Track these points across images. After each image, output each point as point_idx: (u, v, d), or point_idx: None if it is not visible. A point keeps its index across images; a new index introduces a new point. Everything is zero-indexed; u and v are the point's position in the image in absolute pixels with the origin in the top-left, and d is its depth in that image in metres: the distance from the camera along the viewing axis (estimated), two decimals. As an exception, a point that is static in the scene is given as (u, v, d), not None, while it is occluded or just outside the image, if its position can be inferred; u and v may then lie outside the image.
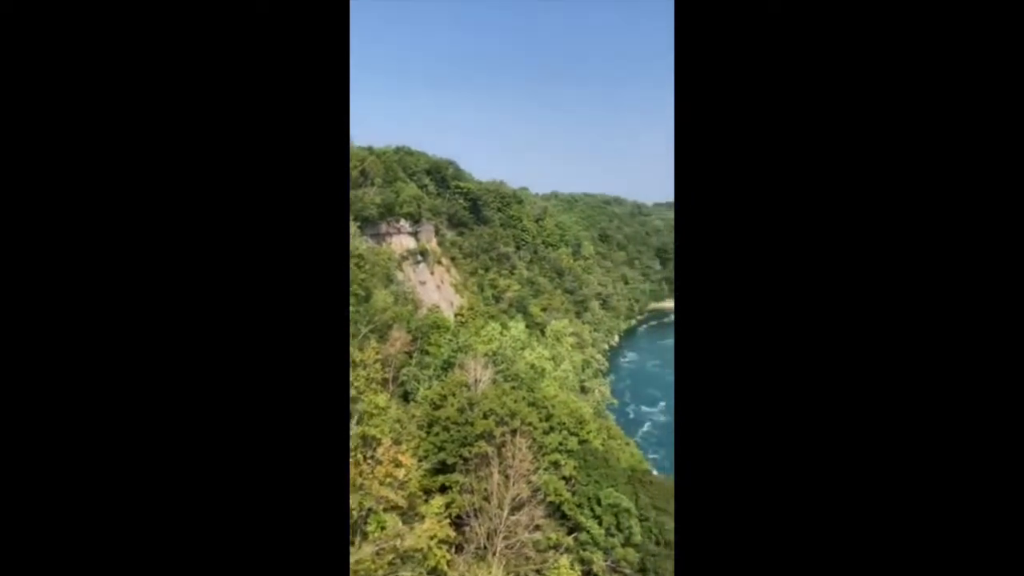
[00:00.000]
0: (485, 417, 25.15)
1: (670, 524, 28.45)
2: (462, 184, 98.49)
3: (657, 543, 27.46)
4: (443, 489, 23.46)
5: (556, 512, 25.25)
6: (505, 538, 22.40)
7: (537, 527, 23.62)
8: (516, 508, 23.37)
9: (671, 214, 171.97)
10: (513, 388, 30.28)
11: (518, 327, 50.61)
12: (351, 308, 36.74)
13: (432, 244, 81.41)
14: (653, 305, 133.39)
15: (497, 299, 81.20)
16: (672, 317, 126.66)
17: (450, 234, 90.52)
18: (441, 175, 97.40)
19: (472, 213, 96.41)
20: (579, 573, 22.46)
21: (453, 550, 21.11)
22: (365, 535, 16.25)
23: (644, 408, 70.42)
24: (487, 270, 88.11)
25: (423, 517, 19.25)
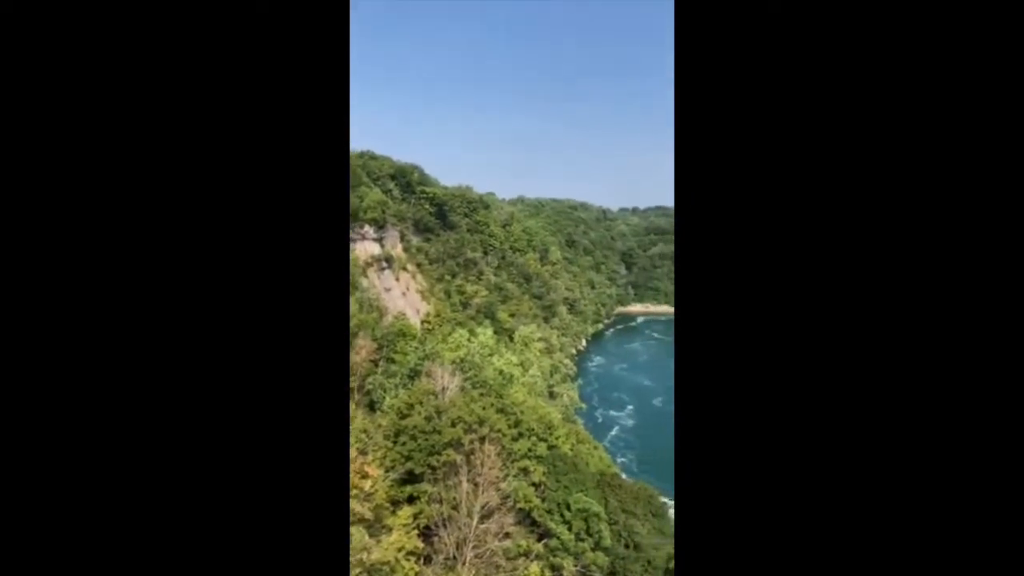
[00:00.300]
0: (453, 425, 24.85)
1: (639, 527, 28.65)
2: (427, 189, 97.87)
3: (626, 546, 27.60)
4: (411, 499, 23.02)
5: (526, 519, 25.11)
6: (474, 547, 22.11)
7: (507, 535, 23.41)
8: (485, 516, 23.12)
9: (636, 219, 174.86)
10: (481, 395, 30.06)
11: (486, 333, 50.44)
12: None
13: (397, 250, 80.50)
14: (619, 309, 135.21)
15: (464, 305, 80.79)
16: (638, 320, 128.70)
17: (416, 240, 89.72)
18: (406, 180, 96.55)
19: (438, 218, 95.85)
20: (549, 580, 22.34)
21: (422, 562, 20.71)
22: (329, 550, 15.71)
23: (612, 412, 71.09)
24: (454, 276, 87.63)
25: (390, 529, 18.81)
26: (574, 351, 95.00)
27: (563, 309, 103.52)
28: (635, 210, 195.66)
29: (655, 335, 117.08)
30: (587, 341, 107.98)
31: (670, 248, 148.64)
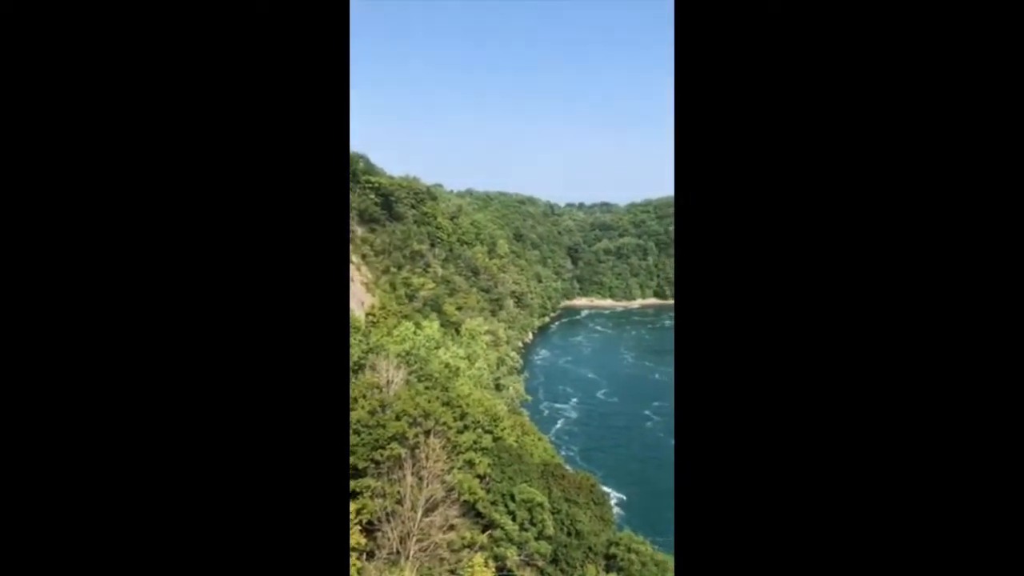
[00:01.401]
0: (398, 419, 24.58)
1: (581, 515, 29.40)
2: (373, 179, 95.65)
3: (568, 534, 28.28)
4: (353, 495, 22.64)
5: (470, 511, 25.22)
6: (419, 540, 22.01)
7: (451, 527, 23.43)
8: (430, 510, 23.04)
9: (582, 215, 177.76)
10: (427, 388, 29.85)
11: (432, 326, 49.99)
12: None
13: (342, 241, 78.02)
14: (565, 303, 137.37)
15: (411, 298, 79.74)
16: (583, 314, 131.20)
17: (360, 230, 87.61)
18: (351, 169, 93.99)
19: (384, 209, 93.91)
20: (493, 570, 22.58)
21: (364, 557, 20.40)
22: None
23: (557, 405, 72.29)
24: (400, 268, 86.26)
25: (331, 526, 18.36)
26: (521, 344, 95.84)
27: (510, 302, 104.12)
28: (581, 206, 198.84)
29: (599, 328, 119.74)
30: (533, 334, 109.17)
31: (614, 244, 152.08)
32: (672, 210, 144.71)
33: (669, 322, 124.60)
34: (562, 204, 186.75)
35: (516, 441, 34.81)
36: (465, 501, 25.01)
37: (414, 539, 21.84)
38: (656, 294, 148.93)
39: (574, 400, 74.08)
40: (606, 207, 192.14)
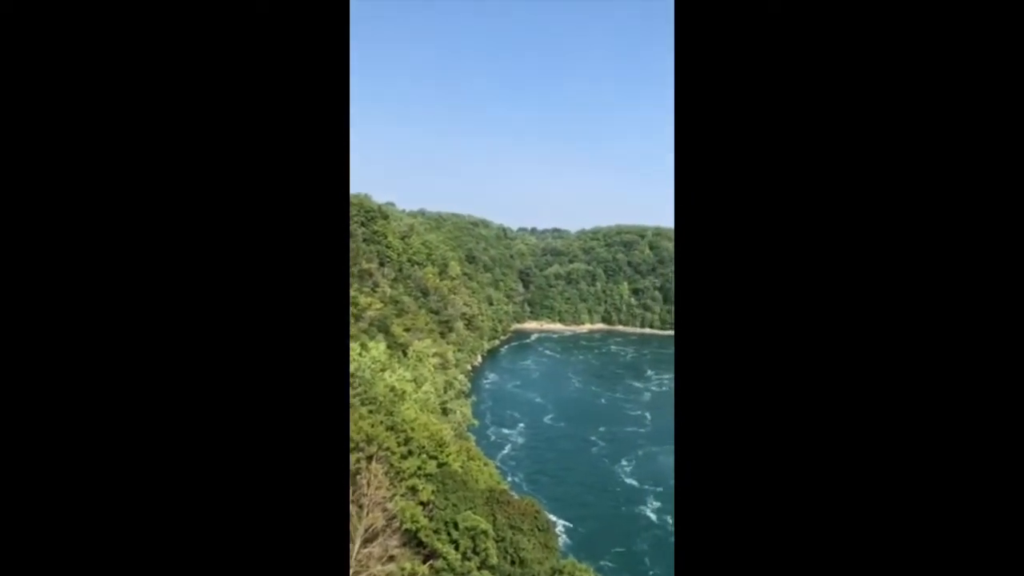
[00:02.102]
0: (339, 444, 23.64)
1: (525, 543, 28.98)
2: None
3: (512, 563, 27.78)
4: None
5: (412, 540, 24.38)
6: (356, 573, 21.02)
7: (391, 558, 22.54)
8: (369, 540, 22.11)
9: (534, 239, 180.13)
10: (371, 412, 28.96)
11: (378, 348, 48.81)
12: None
13: (288, 257, 75.53)
14: (515, 326, 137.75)
15: (357, 318, 77.81)
16: (532, 337, 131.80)
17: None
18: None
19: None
20: (434, 603, 21.80)
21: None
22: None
23: (504, 430, 71.76)
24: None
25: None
26: (469, 367, 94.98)
27: (460, 324, 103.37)
28: (534, 230, 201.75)
29: (548, 352, 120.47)
30: (483, 357, 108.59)
31: (565, 268, 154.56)
32: (620, 239, 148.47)
33: (615, 347, 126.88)
34: (515, 228, 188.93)
35: (461, 467, 34.16)
36: (407, 530, 24.18)
37: (351, 572, 20.85)
38: (604, 319, 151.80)
39: (521, 425, 73.78)
40: (558, 233, 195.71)
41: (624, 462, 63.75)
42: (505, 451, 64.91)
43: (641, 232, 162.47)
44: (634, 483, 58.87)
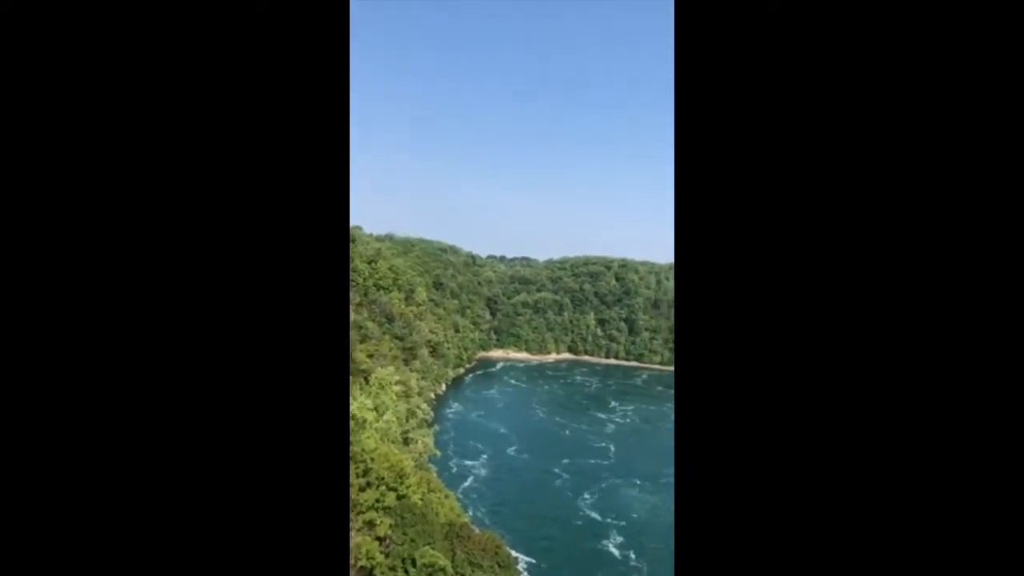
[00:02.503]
0: (293, 475, 22.61)
1: (485, 580, 28.07)
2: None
3: (471, 602, 26.80)
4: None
5: (367, 579, 23.30)
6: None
7: (344, 598, 21.47)
8: (321, 578, 21.03)
9: (503, 267, 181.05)
10: (329, 441, 27.92)
11: (340, 373, 47.44)
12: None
13: (249, 278, 73.50)
14: (481, 354, 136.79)
15: (320, 342, 75.69)
16: (498, 366, 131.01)
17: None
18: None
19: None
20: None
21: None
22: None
23: (467, 461, 70.40)
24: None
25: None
26: (433, 395, 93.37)
27: (425, 352, 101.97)
28: (502, 258, 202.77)
29: (513, 381, 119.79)
30: (447, 385, 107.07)
31: (532, 297, 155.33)
32: (587, 269, 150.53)
33: (580, 377, 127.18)
34: (484, 255, 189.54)
35: (421, 499, 33.14)
36: (362, 567, 23.14)
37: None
38: (570, 349, 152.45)
39: (484, 456, 72.54)
40: (527, 261, 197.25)
41: (587, 495, 63.18)
42: (467, 483, 63.49)
43: (608, 264, 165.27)
44: (596, 516, 58.28)
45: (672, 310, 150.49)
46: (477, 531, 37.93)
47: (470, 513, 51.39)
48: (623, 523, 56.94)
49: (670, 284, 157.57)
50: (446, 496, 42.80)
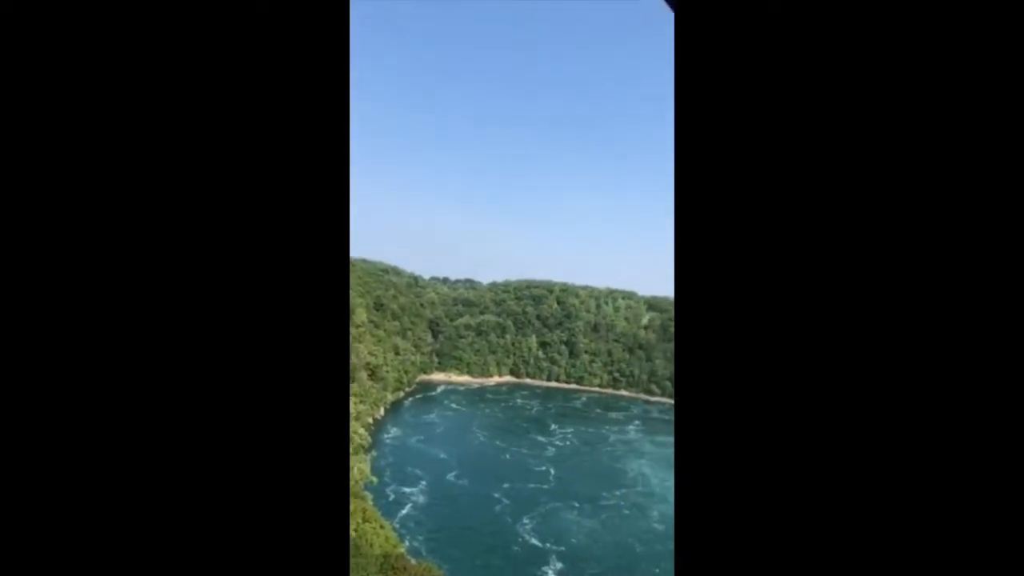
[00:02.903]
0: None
1: (421, 614, 27.20)
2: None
3: (406, 638, 25.85)
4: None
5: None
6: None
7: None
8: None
9: (446, 289, 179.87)
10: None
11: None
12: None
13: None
14: (422, 377, 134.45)
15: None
16: (438, 390, 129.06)
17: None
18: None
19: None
20: None
21: None
22: None
23: (404, 489, 68.49)
24: (242, 331, 78.28)
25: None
26: (371, 420, 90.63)
27: (363, 375, 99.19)
28: (446, 280, 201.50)
29: (453, 406, 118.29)
30: (385, 410, 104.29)
31: (476, 320, 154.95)
32: (530, 292, 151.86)
33: (521, 400, 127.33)
34: (427, 276, 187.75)
35: (355, 530, 31.88)
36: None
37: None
38: (512, 372, 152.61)
39: (423, 483, 70.85)
40: (470, 283, 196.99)
41: (526, 520, 62.84)
42: (404, 511, 61.69)
43: (550, 288, 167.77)
44: (536, 542, 58.00)
45: (610, 333, 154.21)
46: (413, 562, 36.82)
47: (407, 543, 49.85)
48: (562, 548, 56.94)
49: (609, 308, 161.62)
50: (381, 526, 41.39)
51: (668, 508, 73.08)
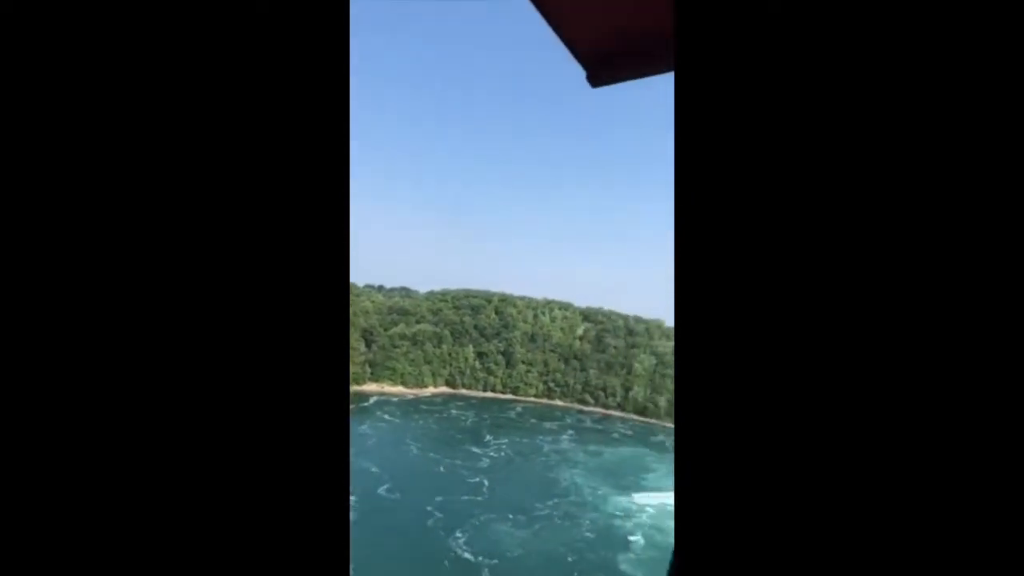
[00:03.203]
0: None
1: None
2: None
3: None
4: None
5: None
6: None
7: None
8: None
9: (381, 297, 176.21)
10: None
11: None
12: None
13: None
14: (354, 388, 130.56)
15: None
16: (371, 400, 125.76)
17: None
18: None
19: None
20: None
21: None
22: None
23: (332, 502, 65.88)
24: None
25: None
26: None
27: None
28: (381, 288, 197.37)
29: (386, 417, 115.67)
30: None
31: (411, 329, 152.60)
32: (468, 302, 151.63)
33: (456, 411, 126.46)
34: (361, 284, 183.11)
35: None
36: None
37: None
38: (448, 382, 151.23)
39: (353, 498, 68.53)
40: (406, 292, 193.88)
41: (459, 533, 62.13)
42: (332, 529, 59.20)
43: (488, 298, 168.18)
44: (469, 556, 57.43)
45: (546, 344, 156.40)
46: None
47: None
48: (495, 561, 56.69)
49: (546, 319, 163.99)
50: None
51: (599, 517, 74.67)
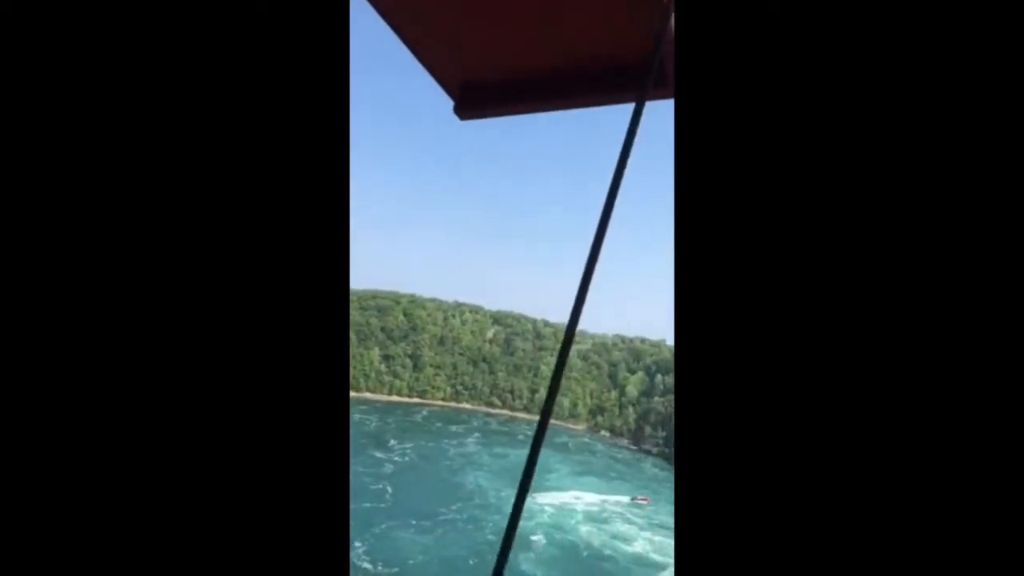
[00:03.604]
0: None
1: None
2: None
3: None
4: None
5: None
6: None
7: None
8: None
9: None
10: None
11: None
12: None
13: None
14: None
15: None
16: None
17: None
18: None
19: None
20: None
21: None
22: None
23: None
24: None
25: None
26: (180, 442, 79.82)
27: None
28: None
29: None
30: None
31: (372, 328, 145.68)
32: (375, 303, 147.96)
33: (359, 415, 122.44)
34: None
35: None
36: None
37: None
38: (351, 386, 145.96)
39: (241, 510, 64.03)
40: (372, 293, 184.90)
41: (358, 543, 60.02)
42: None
43: (397, 299, 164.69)
44: (368, 566, 55.63)
45: (456, 347, 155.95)
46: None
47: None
48: (395, 570, 55.42)
49: (456, 321, 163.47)
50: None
51: (502, 519, 75.41)
